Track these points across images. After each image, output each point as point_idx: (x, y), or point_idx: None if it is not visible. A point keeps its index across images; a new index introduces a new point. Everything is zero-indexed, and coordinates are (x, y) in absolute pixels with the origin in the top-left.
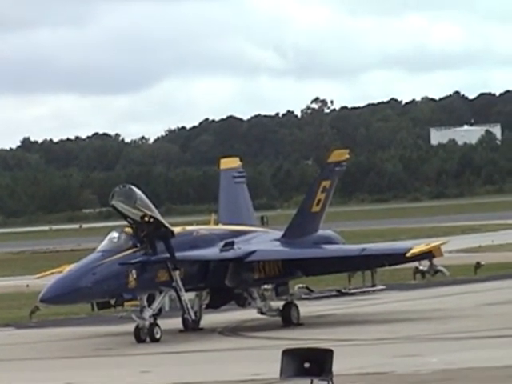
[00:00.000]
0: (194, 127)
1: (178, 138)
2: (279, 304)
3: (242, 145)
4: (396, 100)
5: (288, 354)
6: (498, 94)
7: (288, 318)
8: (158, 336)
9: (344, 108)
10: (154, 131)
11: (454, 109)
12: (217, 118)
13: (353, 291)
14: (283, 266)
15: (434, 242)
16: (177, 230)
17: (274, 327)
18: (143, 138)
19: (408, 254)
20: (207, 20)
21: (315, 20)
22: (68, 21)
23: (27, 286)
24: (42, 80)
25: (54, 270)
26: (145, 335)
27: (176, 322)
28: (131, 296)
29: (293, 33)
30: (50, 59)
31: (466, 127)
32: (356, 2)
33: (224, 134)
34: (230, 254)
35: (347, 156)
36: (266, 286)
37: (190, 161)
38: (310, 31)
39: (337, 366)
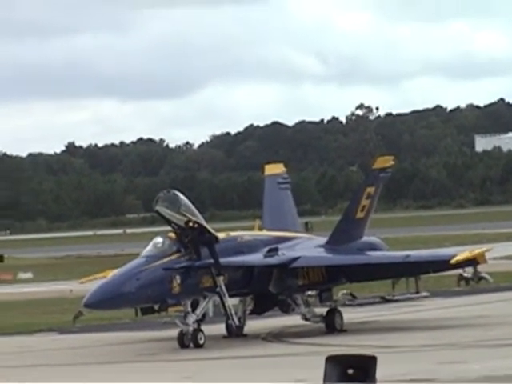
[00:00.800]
0: (239, 133)
1: (222, 143)
2: (323, 310)
3: (287, 151)
4: (441, 107)
5: (331, 360)
6: None
7: (332, 325)
8: (201, 342)
9: (389, 114)
10: (198, 136)
11: (499, 116)
12: (261, 124)
13: (397, 298)
14: (327, 272)
15: (478, 249)
16: (221, 235)
17: (317, 333)
18: (188, 143)
19: (452, 261)
20: (250, 26)
21: (358, 26)
22: (111, 27)
23: (71, 290)
24: (85, 85)
25: (98, 275)
26: (188, 341)
27: (220, 328)
28: (175, 301)
29: (335, 39)
30: (93, 64)
31: (510, 134)
32: (398, 9)
33: (269, 139)
34: (274, 260)
35: (392, 162)
36: (309, 292)
37: (234, 166)
38: (353, 37)
39: (380, 373)
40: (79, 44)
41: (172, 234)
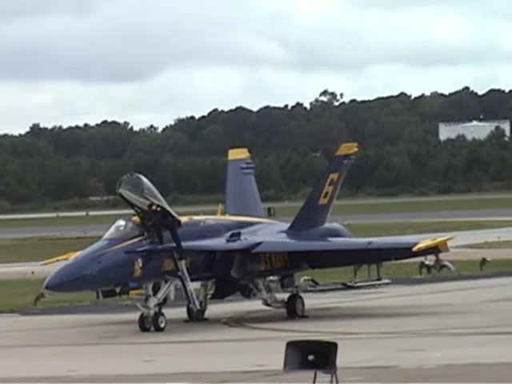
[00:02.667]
0: (203, 117)
1: (186, 127)
2: (284, 296)
3: (251, 136)
4: (405, 94)
5: (292, 346)
6: (507, 90)
7: (293, 310)
8: (162, 325)
9: (353, 101)
10: (162, 120)
11: (464, 104)
12: (225, 109)
13: (358, 284)
14: (289, 257)
15: (440, 237)
16: (183, 219)
17: (278, 319)
18: (152, 126)
19: (414, 249)
20: (209, 12)
21: (320, 13)
22: (70, 10)
23: (32, 272)
24: (44, 67)
25: (60, 258)
26: (149, 324)
27: (181, 312)
28: (136, 284)
29: (297, 25)
30: (52, 47)
31: (475, 123)
32: None
33: (233, 124)
34: (236, 245)
35: (355, 149)
36: (271, 278)
37: (198, 151)
38: (315, 24)
39: (340, 359)
40: (38, 26)
41: (134, 217)
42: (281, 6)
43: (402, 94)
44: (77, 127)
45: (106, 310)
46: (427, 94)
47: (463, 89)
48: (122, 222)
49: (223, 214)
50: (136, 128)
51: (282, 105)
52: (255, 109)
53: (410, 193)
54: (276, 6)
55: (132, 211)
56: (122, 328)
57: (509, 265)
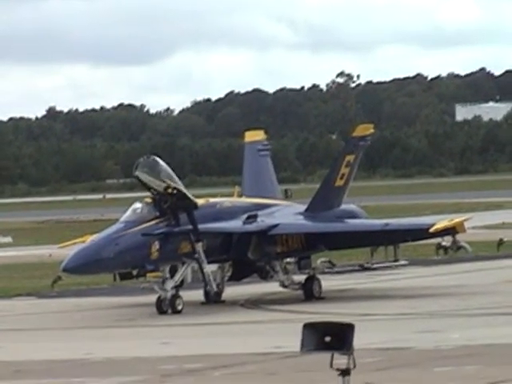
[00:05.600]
0: (220, 99)
1: (203, 109)
2: (301, 277)
3: (267, 118)
4: (421, 75)
5: (309, 327)
6: None
7: (310, 292)
8: (179, 308)
9: (369, 82)
10: (178, 103)
11: (480, 85)
12: (242, 91)
13: (375, 266)
14: (306, 239)
15: (457, 218)
16: (200, 201)
17: (295, 301)
18: (168, 109)
19: (431, 230)
20: None
21: None
22: None
23: (50, 255)
24: (55, 50)
25: (77, 240)
26: (166, 307)
27: (198, 294)
28: (153, 267)
29: (308, 6)
30: (62, 29)
31: (491, 104)
32: None
33: (249, 106)
34: (253, 227)
35: (372, 131)
36: (288, 260)
37: (214, 133)
38: (325, 5)
39: (357, 341)
40: (51, 9)
41: (151, 200)
42: None
43: (419, 75)
44: (93, 110)
45: (123, 292)
46: (443, 75)
47: (479, 70)
48: (138, 205)
49: (240, 196)
50: (152, 111)
51: (297, 86)
52: (271, 90)
53: (427, 174)
54: None
55: (149, 194)
56: (139, 311)
57: None
